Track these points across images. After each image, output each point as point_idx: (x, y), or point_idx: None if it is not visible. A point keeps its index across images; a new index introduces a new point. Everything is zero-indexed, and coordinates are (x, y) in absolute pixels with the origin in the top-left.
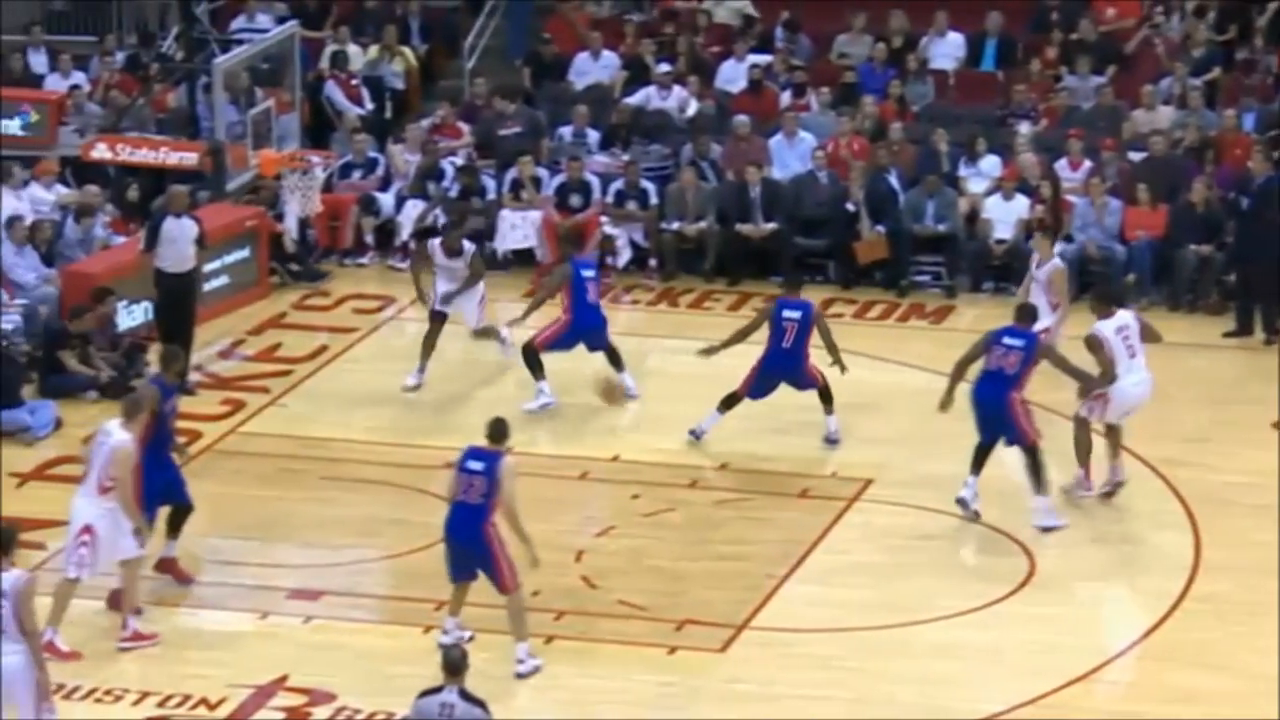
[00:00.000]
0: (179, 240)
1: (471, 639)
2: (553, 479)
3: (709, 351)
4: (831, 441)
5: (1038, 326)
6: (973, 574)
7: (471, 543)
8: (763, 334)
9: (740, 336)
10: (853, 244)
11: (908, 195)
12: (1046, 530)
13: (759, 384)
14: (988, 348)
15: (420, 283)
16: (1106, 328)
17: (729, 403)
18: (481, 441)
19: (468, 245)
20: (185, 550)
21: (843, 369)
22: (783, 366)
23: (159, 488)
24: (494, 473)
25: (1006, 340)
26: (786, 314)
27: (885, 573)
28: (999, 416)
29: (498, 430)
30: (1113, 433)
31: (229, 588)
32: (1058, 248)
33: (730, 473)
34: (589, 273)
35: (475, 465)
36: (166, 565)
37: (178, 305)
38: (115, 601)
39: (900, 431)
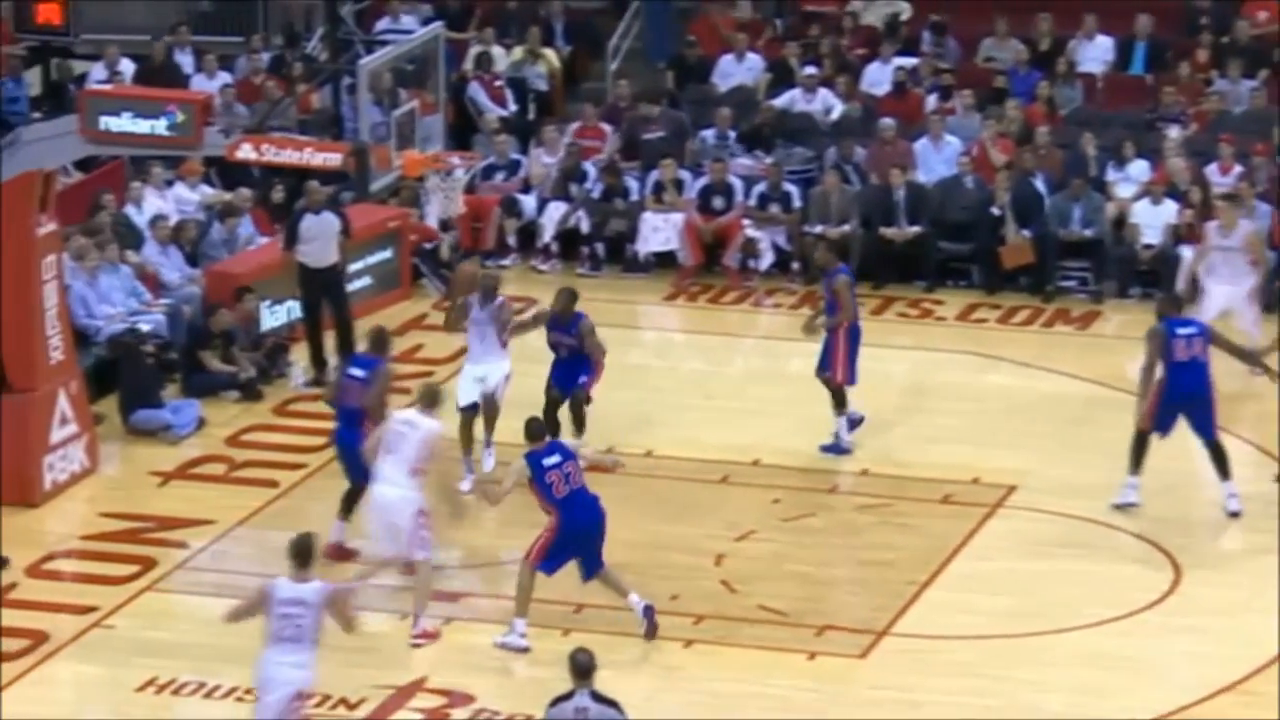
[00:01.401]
0: (320, 236)
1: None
2: (693, 482)
3: (812, 328)
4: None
5: (1249, 285)
6: (1117, 582)
7: (598, 523)
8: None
9: (847, 316)
10: (998, 249)
11: (1054, 199)
12: (1235, 515)
13: (856, 365)
14: (1167, 342)
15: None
16: None
17: (841, 401)
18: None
19: (499, 297)
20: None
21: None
22: (860, 336)
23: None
24: (571, 454)
25: (1181, 331)
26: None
27: (1028, 580)
28: (1204, 405)
29: (536, 428)
30: None
31: (369, 588)
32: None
33: (872, 478)
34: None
35: (556, 458)
36: (333, 550)
37: (326, 299)
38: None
39: (1044, 438)
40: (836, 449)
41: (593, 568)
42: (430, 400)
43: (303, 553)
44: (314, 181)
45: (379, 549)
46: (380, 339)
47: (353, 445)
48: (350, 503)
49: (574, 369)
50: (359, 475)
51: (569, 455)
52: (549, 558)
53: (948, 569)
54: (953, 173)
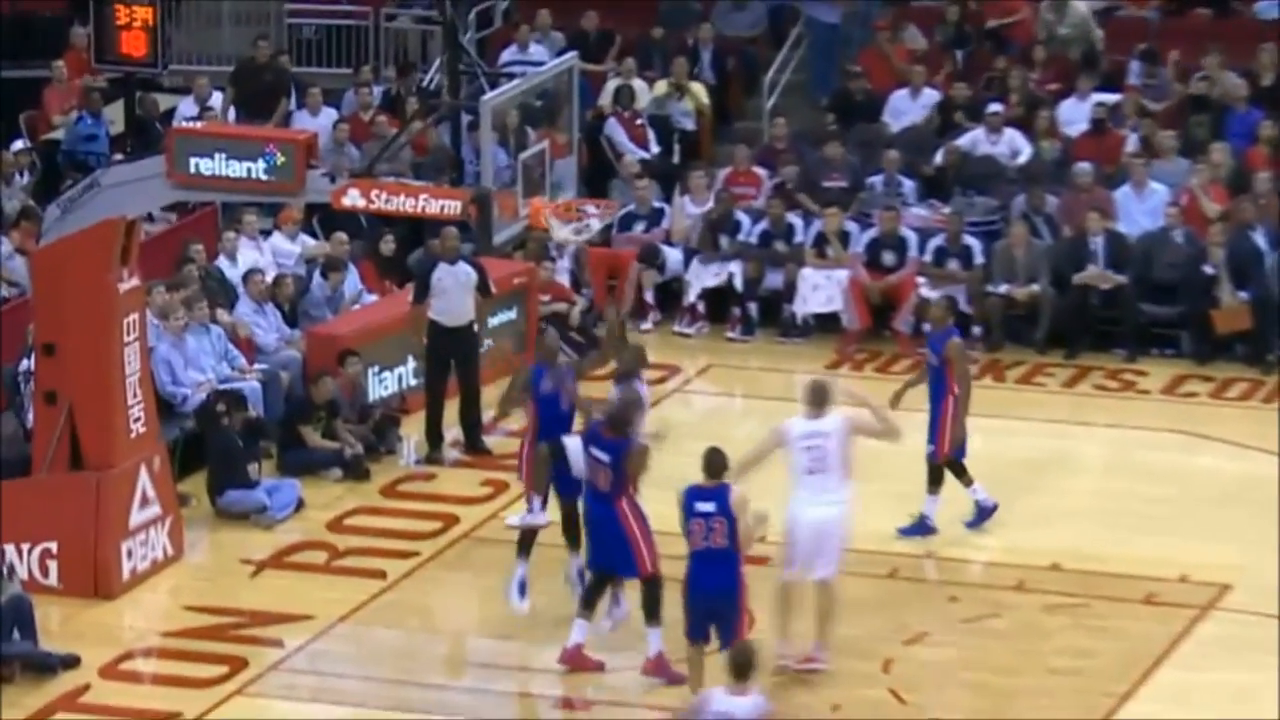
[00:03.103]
0: (452, 290)
1: None
2: (857, 577)
3: (898, 401)
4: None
5: None
6: None
7: (724, 591)
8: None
9: (965, 385)
10: (1210, 312)
11: (1276, 256)
12: None
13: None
14: None
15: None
16: None
17: (938, 479)
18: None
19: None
20: (442, 651)
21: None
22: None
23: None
24: (729, 508)
25: None
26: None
27: (1243, 693)
28: None
29: (718, 463)
30: None
31: (486, 694)
32: None
33: (1063, 574)
34: None
35: (707, 507)
36: (573, 656)
37: (457, 363)
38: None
39: (1263, 530)
40: (922, 528)
41: (725, 638)
42: (824, 396)
43: (740, 664)
44: (451, 227)
45: (798, 574)
46: (627, 411)
47: (605, 524)
48: (594, 597)
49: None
50: (606, 564)
51: (725, 512)
52: (687, 619)
53: (1151, 679)
54: (1159, 225)
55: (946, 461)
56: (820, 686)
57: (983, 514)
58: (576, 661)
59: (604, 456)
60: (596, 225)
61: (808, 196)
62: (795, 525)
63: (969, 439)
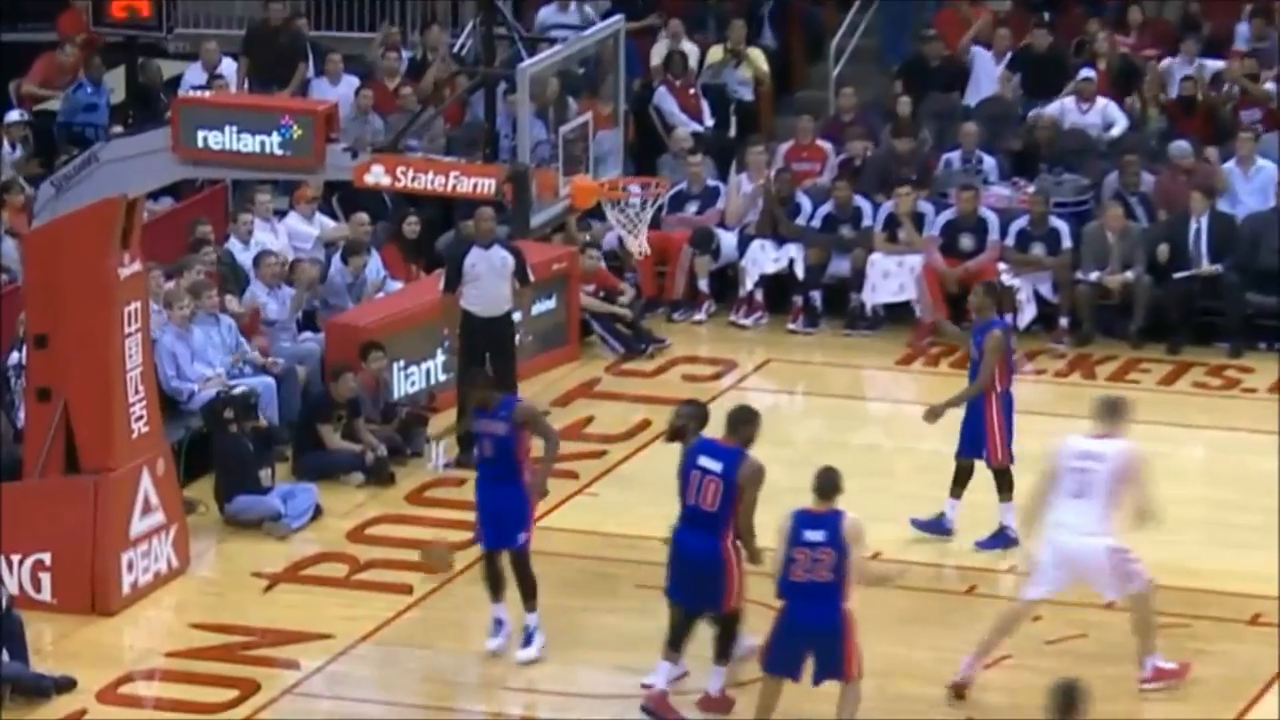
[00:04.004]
0: (486, 276)
1: None
2: (931, 593)
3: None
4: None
5: None
6: None
7: (827, 630)
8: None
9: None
10: None
11: None
12: None
13: (1012, 442)
14: None
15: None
16: None
17: (1008, 485)
18: (807, 503)
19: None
20: (475, 674)
21: None
22: (1013, 406)
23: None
24: (840, 538)
25: None
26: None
27: None
28: None
29: (830, 484)
30: None
31: None
32: None
33: (1161, 591)
34: None
35: (816, 535)
36: (712, 703)
37: (492, 357)
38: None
39: None
40: (1001, 540)
41: (829, 673)
42: (1114, 413)
43: (1064, 704)
44: (485, 208)
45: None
46: (745, 419)
47: (704, 557)
48: (727, 644)
49: (504, 493)
50: (700, 601)
51: (836, 543)
52: (770, 650)
53: (1258, 705)
54: (1268, 205)
55: (965, 465)
56: (887, 715)
57: (931, 528)
58: (715, 707)
59: (714, 465)
60: (642, 205)
61: (878, 190)
62: (1050, 551)
63: (1015, 443)
